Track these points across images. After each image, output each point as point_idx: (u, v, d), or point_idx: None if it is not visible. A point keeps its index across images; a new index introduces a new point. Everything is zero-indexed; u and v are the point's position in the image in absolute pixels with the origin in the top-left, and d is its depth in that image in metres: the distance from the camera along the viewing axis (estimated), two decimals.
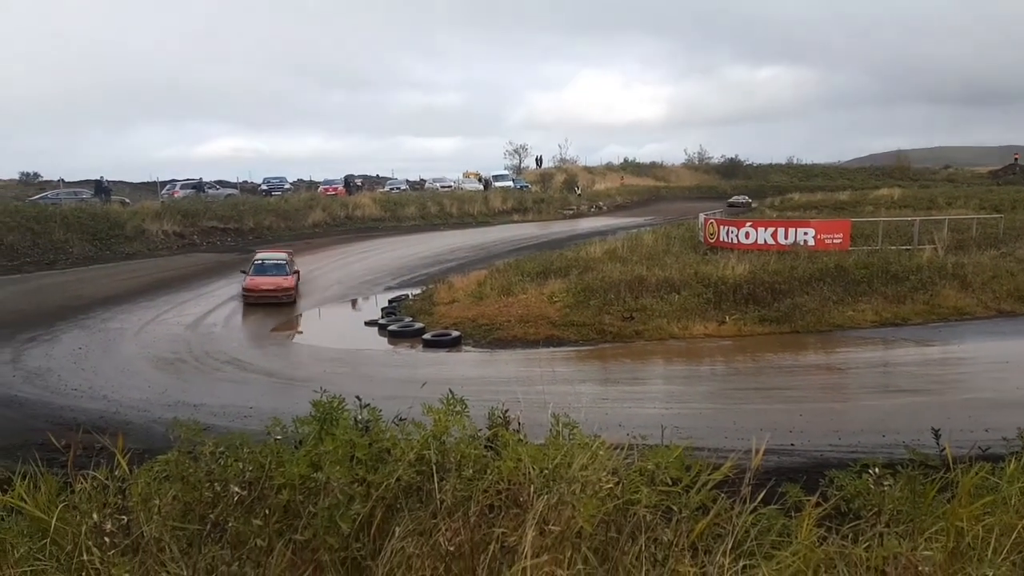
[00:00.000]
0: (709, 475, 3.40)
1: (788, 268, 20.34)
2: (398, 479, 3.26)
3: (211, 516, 2.93)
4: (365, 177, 60.58)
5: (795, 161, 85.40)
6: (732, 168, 79.30)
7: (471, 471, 3.23)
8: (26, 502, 3.06)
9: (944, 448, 4.22)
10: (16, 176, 53.95)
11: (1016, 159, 75.92)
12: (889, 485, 3.65)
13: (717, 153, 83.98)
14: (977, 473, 3.65)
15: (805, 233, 24.11)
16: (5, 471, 7.14)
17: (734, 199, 56.26)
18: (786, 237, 24.09)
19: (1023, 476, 3.80)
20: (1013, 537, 3.16)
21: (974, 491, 3.59)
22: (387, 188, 55.03)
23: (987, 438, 6.67)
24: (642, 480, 3.30)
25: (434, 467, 3.32)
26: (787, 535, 3.34)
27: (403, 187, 56.37)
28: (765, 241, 24.26)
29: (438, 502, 3.17)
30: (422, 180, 62.08)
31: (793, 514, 3.51)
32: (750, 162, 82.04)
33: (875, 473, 3.73)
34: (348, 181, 53.20)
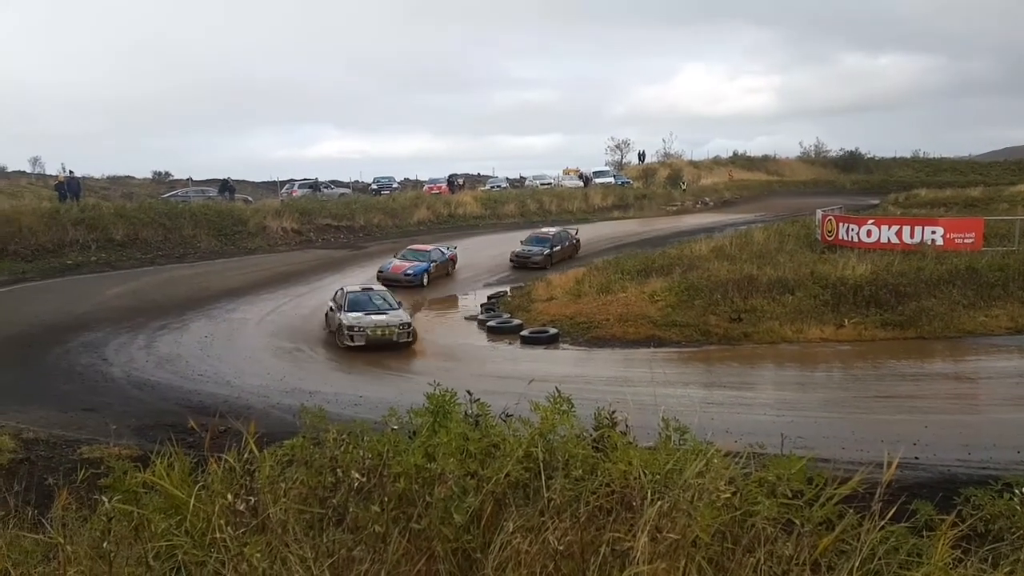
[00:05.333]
0: (835, 489, 3.24)
1: (914, 269, 19.08)
2: (507, 475, 3.28)
3: (332, 501, 3.05)
4: (467, 176, 61.56)
5: (921, 154, 79.69)
6: (851, 162, 74.80)
7: (579, 471, 3.21)
8: (164, 480, 3.29)
9: None
10: (149, 175, 58.21)
11: None
12: None
13: (835, 146, 79.50)
14: None
15: (933, 232, 22.47)
16: (140, 449, 7.79)
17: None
18: (912, 236, 22.55)
19: None
20: None
21: None
22: (488, 186, 55.66)
23: None
24: (761, 491, 3.17)
25: (541, 465, 3.32)
26: (918, 555, 3.15)
27: (503, 185, 56.86)
28: (888, 240, 22.82)
29: (546, 500, 3.17)
30: (522, 178, 62.44)
31: (925, 534, 3.30)
32: (871, 155, 77.32)
33: (1021, 493, 3.44)
34: (451, 180, 54.24)
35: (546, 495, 3.20)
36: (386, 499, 3.02)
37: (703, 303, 18.51)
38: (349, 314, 17.17)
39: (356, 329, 16.71)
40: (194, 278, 25.58)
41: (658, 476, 3.20)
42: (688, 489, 3.00)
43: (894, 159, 77.28)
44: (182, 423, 6.32)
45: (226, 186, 42.40)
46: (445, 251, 27.47)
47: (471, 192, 49.83)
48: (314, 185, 48.34)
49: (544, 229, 30.90)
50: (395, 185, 56.37)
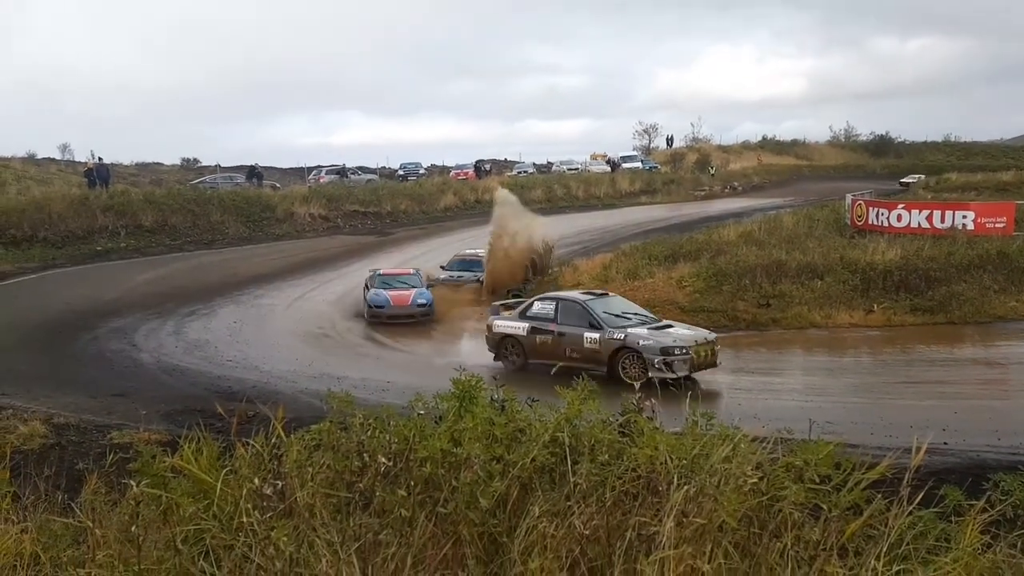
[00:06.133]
0: (863, 474, 3.21)
1: (944, 254, 18.71)
2: (533, 459, 3.30)
3: (359, 485, 3.09)
4: (494, 161, 61.39)
5: (952, 138, 77.75)
6: (882, 146, 73.34)
7: (605, 456, 3.22)
8: (192, 465, 3.35)
9: None
10: (178, 161, 58.82)
11: None
12: None
13: (865, 130, 77.91)
14: None
15: (964, 216, 21.98)
16: (169, 434, 7.94)
17: (907, 179, 51.50)
18: (943, 220, 22.08)
19: None
20: None
21: None
22: (515, 172, 55.52)
23: None
24: (788, 476, 3.16)
25: (567, 449, 3.34)
26: (946, 540, 3.13)
27: (530, 170, 56.70)
28: (919, 224, 22.37)
29: (572, 485, 3.18)
30: (549, 163, 62.17)
31: (953, 519, 3.27)
32: (902, 139, 75.67)
33: None
34: (478, 166, 54.18)
35: (572, 480, 3.22)
36: (412, 483, 3.06)
37: (731, 289, 18.35)
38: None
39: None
40: (222, 264, 25.89)
41: (684, 461, 3.20)
42: (715, 474, 3.00)
43: (925, 143, 75.55)
44: (211, 408, 6.42)
45: (254, 172, 42.79)
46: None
47: (498, 178, 49.64)
48: (341, 171, 48.60)
49: (473, 251, 23.09)
50: (421, 171, 56.45)
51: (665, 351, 12.19)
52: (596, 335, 12.82)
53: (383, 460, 3.12)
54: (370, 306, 18.33)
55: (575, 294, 14.44)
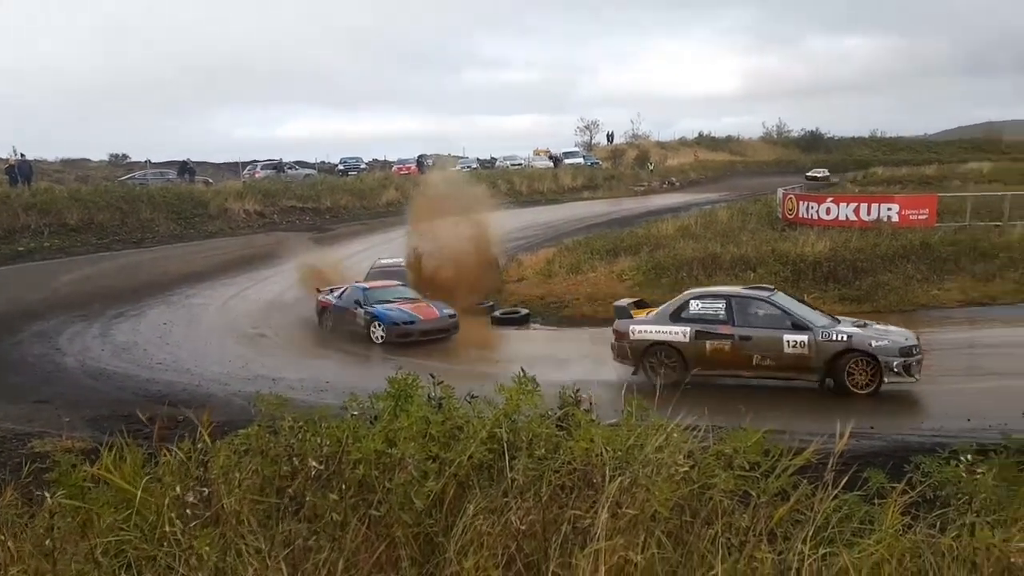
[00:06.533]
0: (790, 460, 3.30)
1: (870, 245, 19.45)
2: (470, 457, 3.28)
3: (289, 490, 3.02)
4: (437, 156, 61.01)
5: (879, 134, 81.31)
6: (812, 142, 76.09)
7: (543, 450, 3.23)
8: (112, 473, 3.21)
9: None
10: (106, 157, 56.55)
11: None
12: (981, 473, 3.47)
13: (797, 126, 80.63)
14: None
15: (889, 209, 22.96)
16: (93, 442, 7.61)
17: (813, 172, 53.96)
18: (869, 213, 23.00)
19: None
20: None
21: None
22: (457, 167, 55.31)
23: None
24: (719, 464, 3.23)
25: (505, 445, 3.34)
26: (870, 523, 3.24)
27: (473, 166, 56.63)
28: (847, 217, 23.24)
29: (509, 481, 3.18)
30: (492, 158, 62.20)
31: (876, 501, 3.39)
32: (831, 135, 78.61)
33: (967, 460, 3.55)
34: (420, 160, 53.80)
35: (509, 475, 3.22)
36: (345, 486, 3.00)
37: (669, 282, 18.72)
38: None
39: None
40: (152, 263, 25.00)
41: (620, 452, 3.23)
42: (648, 464, 3.04)
43: (853, 139, 78.69)
44: (145, 413, 6.18)
45: (186, 168, 41.45)
46: None
47: (440, 173, 49.31)
48: (278, 166, 47.55)
49: (389, 260, 20.52)
50: (363, 166, 55.70)
51: (904, 352, 10.65)
52: (802, 338, 10.86)
53: (314, 464, 3.05)
54: (395, 323, 15.56)
55: (745, 290, 12.19)
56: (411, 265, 19.30)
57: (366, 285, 17.22)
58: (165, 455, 3.37)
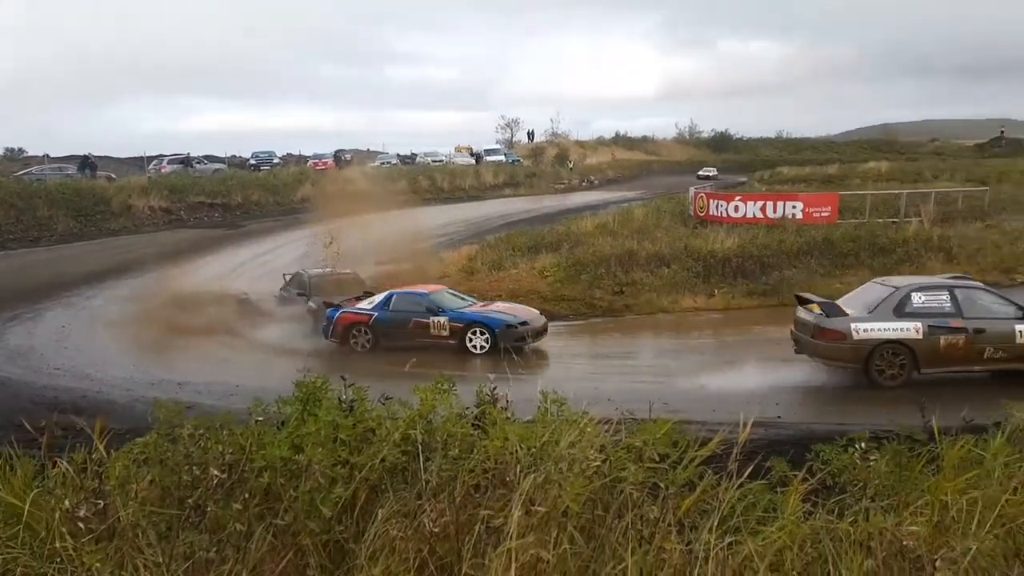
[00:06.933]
0: (697, 451, 3.39)
1: (776, 241, 20.34)
2: (383, 460, 3.22)
3: (190, 500, 2.88)
4: (355, 151, 60.04)
5: (784, 135, 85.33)
6: (722, 142, 79.17)
7: (457, 451, 3.20)
8: (1, 487, 3.00)
9: (930, 421, 4.22)
10: (0, 152, 53.04)
11: (1002, 132, 76.27)
12: (875, 459, 3.66)
13: (708, 127, 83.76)
14: (962, 447, 3.64)
15: (793, 207, 24.10)
16: None
17: (703, 171, 56.21)
18: (775, 211, 24.07)
19: (1007, 449, 3.81)
20: (996, 511, 3.17)
21: (959, 465, 3.59)
22: (377, 162, 54.60)
23: (972, 411, 6.73)
24: (629, 457, 3.28)
25: (420, 447, 3.29)
26: (774, 510, 3.34)
27: (394, 161, 56.04)
28: (754, 215, 24.24)
29: (423, 483, 3.15)
30: (413, 154, 61.65)
31: (780, 489, 3.50)
32: (740, 136, 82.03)
33: (861, 448, 3.73)
34: (338, 155, 52.81)
35: (424, 477, 3.18)
36: (249, 495, 2.89)
37: (589, 277, 19.05)
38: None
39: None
40: (50, 263, 23.57)
41: (534, 449, 3.24)
42: (561, 460, 3.06)
43: (760, 139, 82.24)
44: (33, 423, 5.79)
45: (87, 163, 39.24)
46: None
47: (360, 168, 48.65)
48: (186, 161, 45.55)
49: (319, 270, 18.14)
50: (276, 160, 54.07)
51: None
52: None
53: (216, 473, 2.92)
54: (510, 326, 13.93)
55: (955, 279, 11.58)
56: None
57: (425, 290, 15.15)
58: (59, 466, 3.16)
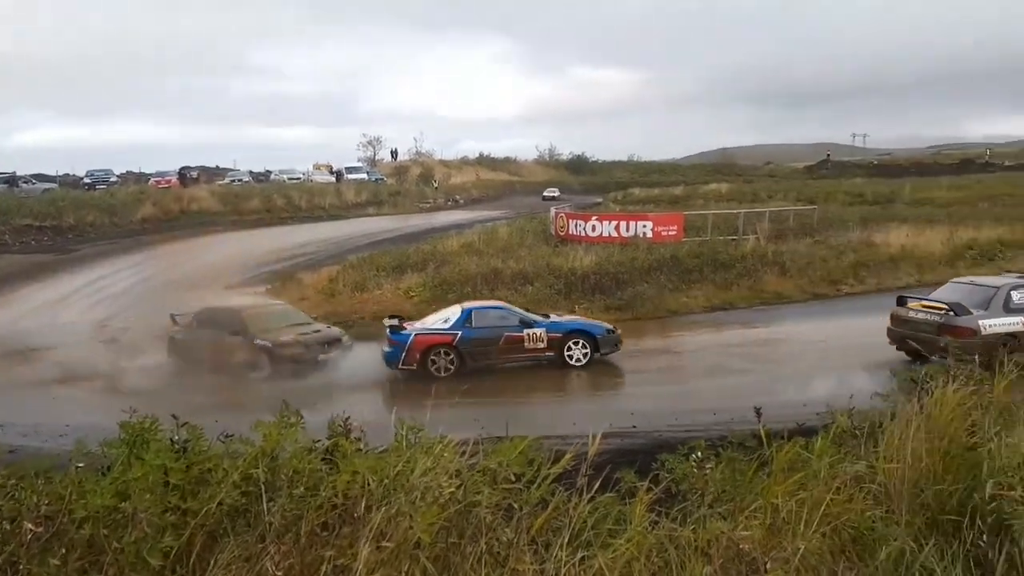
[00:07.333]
0: (549, 468, 3.43)
1: (629, 259, 21.43)
2: (220, 503, 3.03)
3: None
4: (203, 168, 57.03)
5: (635, 158, 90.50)
6: (580, 164, 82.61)
7: (303, 488, 3.06)
8: None
9: (764, 426, 4.53)
10: None
11: (828, 156, 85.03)
12: (711, 467, 3.84)
13: (566, 150, 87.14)
14: (790, 449, 3.90)
15: (644, 226, 25.50)
16: None
17: (547, 192, 58.26)
18: (627, 230, 25.36)
19: (831, 450, 4.13)
20: (822, 510, 3.34)
21: (789, 467, 3.84)
22: (228, 180, 52.09)
23: (805, 412, 7.31)
24: (485, 480, 3.27)
25: (263, 487, 3.13)
26: (623, 522, 3.40)
27: (246, 179, 53.70)
28: (609, 234, 25.40)
29: (266, 524, 2.98)
30: (267, 171, 59.41)
31: (629, 500, 3.57)
32: (596, 159, 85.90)
33: (698, 456, 3.93)
34: (183, 173, 49.83)
35: (266, 519, 3.01)
36: (68, 550, 2.61)
37: (455, 297, 19.05)
38: None
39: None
40: None
41: (386, 481, 3.16)
42: (413, 490, 3.00)
43: (614, 162, 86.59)
44: None
45: None
46: None
47: (208, 186, 46.25)
48: (10, 180, 41.42)
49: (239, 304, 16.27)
50: (113, 179, 50.23)
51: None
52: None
53: (30, 527, 2.62)
54: (611, 331, 14.33)
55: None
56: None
57: (500, 304, 14.85)
58: None
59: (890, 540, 3.27)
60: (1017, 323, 12.03)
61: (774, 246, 23.59)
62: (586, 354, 13.82)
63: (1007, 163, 73.06)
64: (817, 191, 45.66)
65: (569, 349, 13.79)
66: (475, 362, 13.66)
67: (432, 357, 13.49)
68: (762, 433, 4.04)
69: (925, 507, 3.50)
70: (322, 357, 13.88)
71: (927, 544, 3.23)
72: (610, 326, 14.71)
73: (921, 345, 11.92)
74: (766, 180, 66.61)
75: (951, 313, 12.14)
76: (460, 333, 13.68)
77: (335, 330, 15.12)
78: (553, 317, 14.69)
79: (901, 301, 13.39)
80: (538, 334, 13.67)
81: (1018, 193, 39.62)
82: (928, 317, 12.49)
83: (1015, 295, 12.33)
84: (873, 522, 3.43)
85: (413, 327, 14.05)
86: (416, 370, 13.51)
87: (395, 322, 14.20)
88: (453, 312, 14.24)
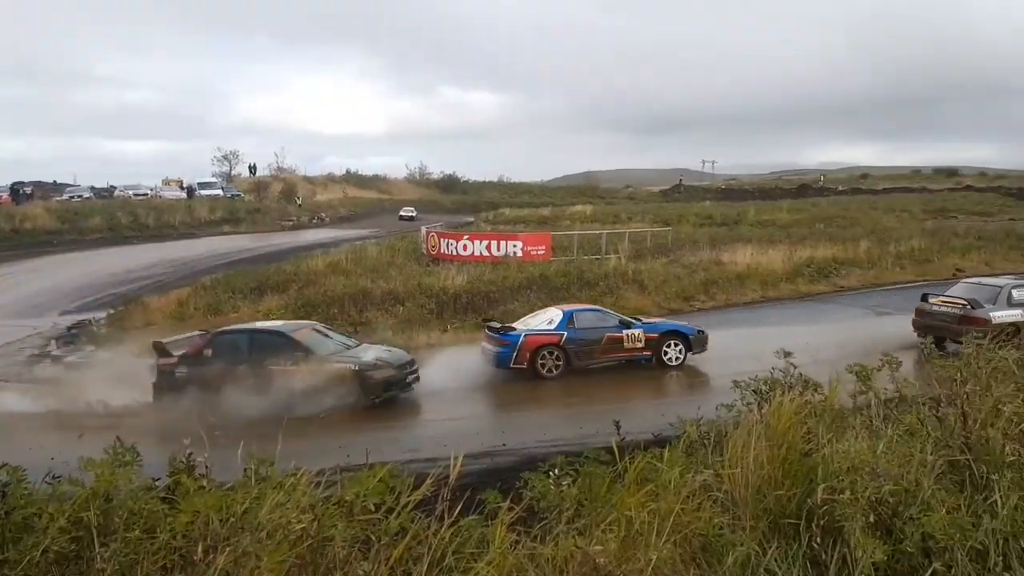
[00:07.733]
0: (409, 496, 3.36)
1: (501, 278, 21.69)
2: (45, 551, 2.74)
3: None
4: (38, 184, 52.26)
5: (505, 179, 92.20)
6: (450, 184, 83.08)
7: (139, 531, 2.83)
8: None
9: (623, 439, 4.66)
10: None
11: (681, 180, 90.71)
12: (567, 484, 3.89)
13: (437, 169, 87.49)
14: (642, 461, 4.04)
15: (514, 245, 25.97)
16: None
17: (403, 212, 58.16)
18: (499, 249, 25.71)
19: (681, 460, 4.30)
20: (672, 519, 3.44)
21: (642, 478, 3.96)
22: (66, 196, 47.99)
23: (662, 423, 7.62)
24: (340, 513, 3.16)
25: (95, 531, 2.86)
26: (485, 544, 3.35)
27: (86, 195, 49.73)
28: (481, 253, 25.65)
29: (97, 572, 2.73)
30: (111, 187, 55.32)
31: (491, 521, 3.55)
32: (467, 178, 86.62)
33: (555, 473, 3.98)
34: (15, 188, 45.44)
35: (98, 566, 2.76)
36: None
37: (320, 318, 18.42)
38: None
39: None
40: None
41: (232, 519, 2.98)
42: (260, 529, 2.84)
43: (485, 182, 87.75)
44: None
45: None
46: None
47: (44, 203, 42.52)
48: None
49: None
50: None
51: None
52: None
53: None
54: (700, 331, 14.84)
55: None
56: None
57: (596, 307, 15.55)
58: None
59: (736, 545, 3.40)
60: (1018, 314, 14.13)
61: (634, 265, 24.66)
62: (679, 356, 14.50)
63: (840, 188, 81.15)
64: (671, 213, 48.20)
65: (666, 349, 14.48)
66: (579, 361, 14.25)
67: (542, 357, 14.07)
68: (615, 446, 4.15)
69: (767, 512, 3.65)
70: (410, 379, 13.19)
71: (770, 547, 3.38)
72: (698, 327, 15.31)
73: (944, 332, 13.96)
74: (626, 202, 69.71)
75: (968, 306, 14.38)
76: (566, 334, 14.23)
77: (401, 351, 14.06)
78: (643, 319, 15.47)
79: (924, 297, 15.57)
80: (637, 334, 14.41)
81: (849, 215, 43.83)
82: (949, 310, 14.68)
83: (1015, 292, 14.63)
84: (720, 529, 3.56)
85: (520, 329, 14.46)
86: (526, 369, 13.99)
87: (496, 325, 14.75)
88: (554, 314, 14.78)
